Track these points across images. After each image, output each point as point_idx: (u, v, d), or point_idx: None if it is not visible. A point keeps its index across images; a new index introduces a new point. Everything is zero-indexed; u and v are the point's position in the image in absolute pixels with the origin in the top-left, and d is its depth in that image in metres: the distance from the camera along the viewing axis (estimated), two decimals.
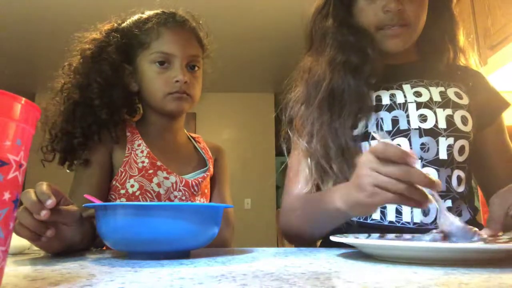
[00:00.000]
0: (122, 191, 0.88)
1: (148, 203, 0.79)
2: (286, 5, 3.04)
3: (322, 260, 0.54)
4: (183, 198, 0.92)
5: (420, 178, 0.53)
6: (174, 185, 0.92)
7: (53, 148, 0.89)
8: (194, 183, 0.95)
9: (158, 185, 0.89)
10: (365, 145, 0.80)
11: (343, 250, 0.64)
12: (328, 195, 0.69)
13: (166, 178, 0.91)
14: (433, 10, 0.87)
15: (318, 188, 0.83)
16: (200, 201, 0.96)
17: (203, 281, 0.37)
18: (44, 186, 0.56)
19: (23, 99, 0.30)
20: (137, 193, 0.88)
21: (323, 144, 0.79)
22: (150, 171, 0.90)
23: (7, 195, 0.29)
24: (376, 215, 0.78)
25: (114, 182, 0.90)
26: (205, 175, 0.99)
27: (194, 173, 0.98)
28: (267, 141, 4.88)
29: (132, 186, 0.88)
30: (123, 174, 0.89)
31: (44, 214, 0.53)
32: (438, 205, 0.55)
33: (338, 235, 0.60)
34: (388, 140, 0.55)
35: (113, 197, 0.89)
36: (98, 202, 0.64)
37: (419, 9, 0.81)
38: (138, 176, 0.89)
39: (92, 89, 0.88)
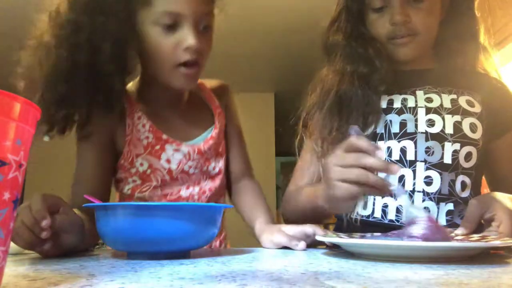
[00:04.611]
0: (133, 170, 0.82)
1: (148, 203, 0.79)
2: (287, 5, 3.04)
3: (322, 260, 0.54)
4: (198, 166, 0.86)
5: (375, 163, 0.57)
6: (187, 156, 0.84)
7: (49, 117, 0.75)
8: (206, 148, 0.87)
9: (168, 161, 0.82)
10: (381, 144, 0.82)
11: (343, 250, 0.64)
12: (316, 191, 0.74)
13: (177, 151, 0.83)
14: (453, 12, 0.87)
15: None
16: (217, 163, 0.89)
17: (203, 281, 0.37)
18: (39, 204, 0.55)
19: (23, 99, 0.30)
20: (148, 172, 0.82)
21: (332, 147, 0.82)
22: (157, 147, 0.82)
23: (7, 195, 0.29)
24: (378, 214, 0.79)
25: (122, 161, 0.82)
26: (213, 134, 0.89)
27: (205, 133, 0.89)
28: (267, 141, 4.88)
29: (142, 164, 0.82)
30: (129, 153, 0.82)
31: (44, 235, 0.54)
32: (401, 200, 0.59)
33: (323, 235, 0.65)
34: (360, 136, 0.60)
35: (124, 175, 0.83)
36: (98, 202, 0.64)
37: (427, 17, 0.82)
38: (145, 154, 0.81)
39: (103, 51, 0.73)
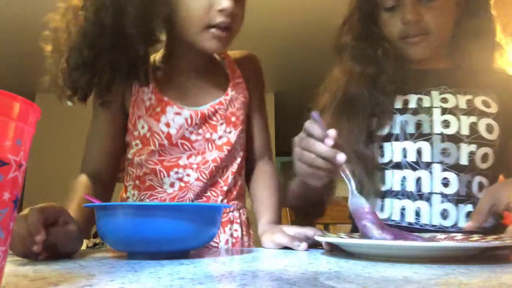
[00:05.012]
0: (136, 133, 0.81)
1: (148, 203, 0.79)
2: (286, 5, 3.04)
3: (322, 260, 0.54)
4: (200, 132, 0.81)
5: (321, 150, 0.61)
6: (189, 120, 0.80)
7: (73, 82, 0.74)
8: (210, 113, 0.82)
9: (167, 125, 0.79)
10: (387, 145, 0.82)
11: (342, 251, 0.64)
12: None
13: (178, 114, 0.80)
14: (469, 11, 0.87)
15: None
16: (226, 132, 0.83)
17: (203, 281, 0.37)
18: (35, 217, 0.54)
19: (23, 99, 0.30)
20: (147, 135, 0.80)
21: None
22: (158, 109, 0.79)
23: (7, 195, 0.29)
24: (396, 216, 0.80)
25: (128, 124, 0.82)
26: (222, 100, 0.84)
27: (215, 100, 0.84)
28: None
29: (143, 127, 0.80)
30: (133, 115, 0.81)
31: (36, 248, 0.53)
32: (349, 185, 0.62)
33: (322, 235, 0.66)
34: (316, 121, 0.63)
35: (129, 139, 0.83)
36: (98, 202, 0.64)
37: (440, 16, 0.82)
38: (146, 116, 0.80)
39: (128, 13, 0.71)
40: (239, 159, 0.86)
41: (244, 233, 0.87)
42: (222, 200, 0.84)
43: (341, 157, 0.60)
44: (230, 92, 0.86)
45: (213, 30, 0.74)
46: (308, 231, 0.70)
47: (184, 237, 0.55)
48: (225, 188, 0.83)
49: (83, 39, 0.72)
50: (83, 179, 0.79)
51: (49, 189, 3.15)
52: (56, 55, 0.75)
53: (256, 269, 0.45)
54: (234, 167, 0.85)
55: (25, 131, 0.31)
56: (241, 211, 0.88)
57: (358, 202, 0.60)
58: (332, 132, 0.61)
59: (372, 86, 0.83)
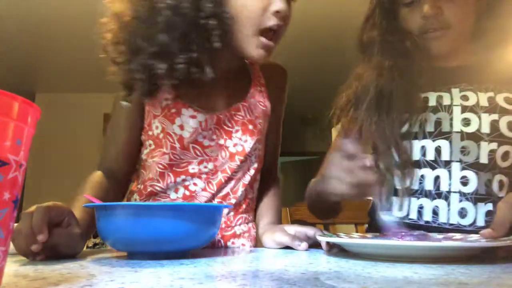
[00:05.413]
0: (150, 132, 0.79)
1: (148, 203, 0.79)
2: None
3: (322, 260, 0.54)
4: (214, 137, 0.79)
5: (369, 177, 0.60)
6: (203, 123, 0.77)
7: (150, 68, 0.69)
8: (226, 118, 0.80)
9: (181, 127, 0.76)
10: (415, 143, 0.81)
11: (342, 251, 0.64)
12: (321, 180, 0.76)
13: (193, 117, 0.76)
14: (492, 5, 0.85)
15: None
16: (241, 141, 0.81)
17: (203, 281, 0.37)
18: (40, 216, 0.54)
19: (23, 99, 0.30)
20: (160, 136, 0.77)
21: (371, 143, 0.82)
22: (173, 110, 0.76)
23: (7, 195, 0.29)
24: (413, 215, 0.79)
25: (144, 123, 0.80)
26: (240, 106, 0.81)
27: (233, 106, 0.82)
28: None
29: (157, 127, 0.77)
30: (148, 114, 0.79)
31: (35, 248, 0.52)
32: (381, 202, 0.65)
33: (322, 234, 0.66)
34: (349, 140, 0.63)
35: (144, 138, 0.81)
36: (98, 202, 0.64)
37: (460, 10, 0.81)
38: (161, 116, 0.77)
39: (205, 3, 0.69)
40: (252, 171, 0.83)
41: (252, 249, 0.83)
42: (228, 213, 0.81)
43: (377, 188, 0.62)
44: (250, 99, 0.83)
45: (262, 39, 0.73)
46: (308, 230, 0.70)
47: (184, 237, 0.55)
48: (233, 201, 0.80)
49: (157, 24, 0.68)
50: (96, 176, 0.78)
51: (49, 189, 3.15)
52: (115, 45, 0.71)
53: (256, 269, 0.45)
54: (246, 179, 0.82)
55: (25, 131, 0.31)
56: (250, 225, 0.85)
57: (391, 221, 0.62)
58: (370, 157, 0.61)
59: (404, 80, 0.82)
